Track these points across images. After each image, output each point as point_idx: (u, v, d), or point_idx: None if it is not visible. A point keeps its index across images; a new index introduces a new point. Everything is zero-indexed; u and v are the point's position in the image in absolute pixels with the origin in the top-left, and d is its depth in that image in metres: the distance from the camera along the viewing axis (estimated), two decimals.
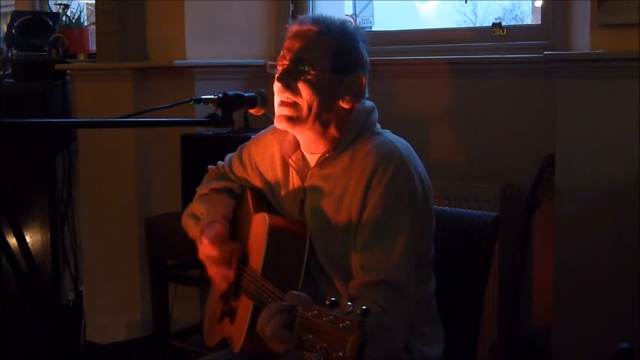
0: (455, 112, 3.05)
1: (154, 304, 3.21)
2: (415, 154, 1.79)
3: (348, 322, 1.21)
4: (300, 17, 1.82)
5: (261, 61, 3.40)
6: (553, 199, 2.65)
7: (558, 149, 2.62)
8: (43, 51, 3.75)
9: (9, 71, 3.92)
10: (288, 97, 1.74)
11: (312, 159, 1.82)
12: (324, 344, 1.24)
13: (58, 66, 3.61)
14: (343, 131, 1.78)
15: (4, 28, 4.17)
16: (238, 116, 1.86)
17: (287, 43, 1.77)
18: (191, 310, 3.32)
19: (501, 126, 2.94)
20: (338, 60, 1.75)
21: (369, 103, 1.83)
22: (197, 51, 3.34)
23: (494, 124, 2.96)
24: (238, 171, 2.00)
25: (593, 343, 2.54)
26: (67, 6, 4.10)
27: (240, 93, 1.83)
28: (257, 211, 1.87)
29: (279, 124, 1.77)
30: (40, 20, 3.91)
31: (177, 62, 3.28)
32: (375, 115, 1.83)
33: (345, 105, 1.76)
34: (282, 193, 1.88)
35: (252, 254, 1.84)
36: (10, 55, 3.89)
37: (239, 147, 2.04)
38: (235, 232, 1.95)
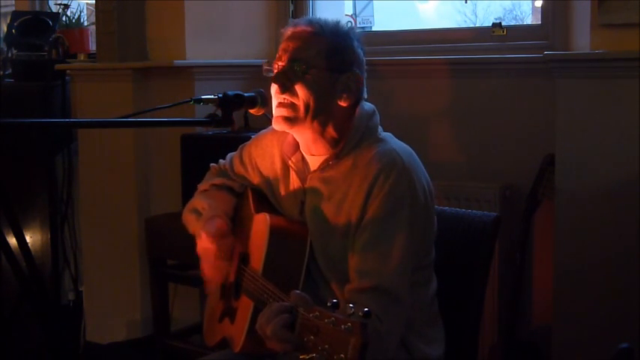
0: (455, 112, 3.05)
1: (154, 304, 3.21)
2: (418, 161, 1.79)
3: (349, 323, 1.21)
4: (294, 20, 1.83)
5: (261, 61, 3.39)
6: (553, 199, 2.65)
7: (558, 149, 2.62)
8: (43, 51, 3.75)
9: (9, 71, 3.92)
10: (285, 98, 1.75)
11: (312, 160, 1.83)
12: (326, 345, 1.24)
13: (58, 66, 3.61)
14: (343, 133, 1.78)
15: (4, 28, 4.17)
16: (238, 116, 1.86)
17: (282, 45, 1.79)
18: (191, 310, 3.33)
19: (501, 126, 2.94)
20: (333, 58, 1.75)
21: (369, 106, 1.83)
22: (197, 51, 3.35)
23: (494, 124, 2.96)
24: (239, 170, 2.01)
25: (593, 343, 2.54)
26: (67, 6, 4.10)
27: (240, 93, 1.83)
28: (258, 211, 1.87)
29: (277, 125, 1.78)
30: (40, 20, 3.91)
31: (177, 62, 3.28)
32: (377, 118, 1.83)
33: (342, 103, 1.77)
34: (283, 193, 1.88)
35: (253, 254, 1.84)
36: (10, 55, 3.89)
37: (240, 146, 2.04)
38: (236, 230, 1.96)
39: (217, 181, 2.04)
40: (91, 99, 3.52)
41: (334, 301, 1.27)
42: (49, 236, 3.68)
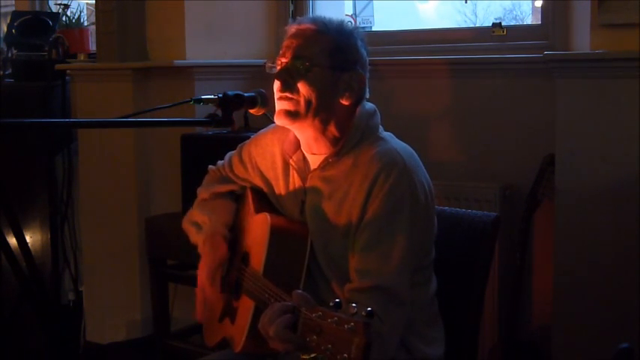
0: (455, 112, 3.05)
1: (154, 304, 3.21)
2: (419, 161, 1.79)
3: (353, 323, 1.21)
4: (298, 18, 1.84)
5: (261, 61, 3.40)
6: (553, 199, 2.65)
7: (558, 149, 2.62)
8: (43, 51, 3.75)
9: (9, 71, 3.91)
10: (287, 94, 1.75)
11: (313, 160, 1.83)
12: (329, 345, 1.23)
13: (58, 66, 3.61)
14: (344, 132, 1.78)
15: (4, 28, 4.17)
16: (238, 116, 1.85)
17: (286, 42, 1.79)
18: (191, 310, 3.29)
19: (501, 126, 2.94)
20: (336, 57, 1.75)
21: (370, 106, 1.83)
22: (197, 51, 3.34)
23: (494, 124, 2.95)
24: (238, 170, 2.00)
25: (593, 343, 2.54)
26: (67, 6, 4.10)
27: (240, 93, 1.83)
28: (258, 211, 1.87)
29: (279, 119, 1.78)
30: (40, 20, 3.91)
31: (177, 62, 3.28)
32: (378, 117, 1.83)
33: (344, 102, 1.77)
34: (283, 192, 1.88)
35: (253, 254, 1.84)
36: (10, 55, 3.89)
37: (239, 146, 2.03)
38: (236, 234, 1.96)
39: (220, 188, 2.04)
40: (91, 99, 3.52)
41: (337, 300, 1.27)
42: (49, 236, 3.68)
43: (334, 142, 1.79)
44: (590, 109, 2.55)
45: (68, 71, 3.64)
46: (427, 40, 3.24)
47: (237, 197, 2.03)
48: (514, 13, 5.50)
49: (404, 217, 1.69)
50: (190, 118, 2.42)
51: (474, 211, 2.06)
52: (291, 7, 3.55)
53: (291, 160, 1.86)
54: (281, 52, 1.78)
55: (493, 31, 3.06)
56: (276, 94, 1.77)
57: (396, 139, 1.82)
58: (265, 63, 1.82)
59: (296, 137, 1.85)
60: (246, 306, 1.79)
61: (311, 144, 1.82)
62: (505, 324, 2.76)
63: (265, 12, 3.59)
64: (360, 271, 1.69)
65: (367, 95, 1.83)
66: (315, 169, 1.81)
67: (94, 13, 3.73)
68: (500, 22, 3.05)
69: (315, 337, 1.26)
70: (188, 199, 2.10)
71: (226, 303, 1.93)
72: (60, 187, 3.73)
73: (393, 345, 1.69)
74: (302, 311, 1.32)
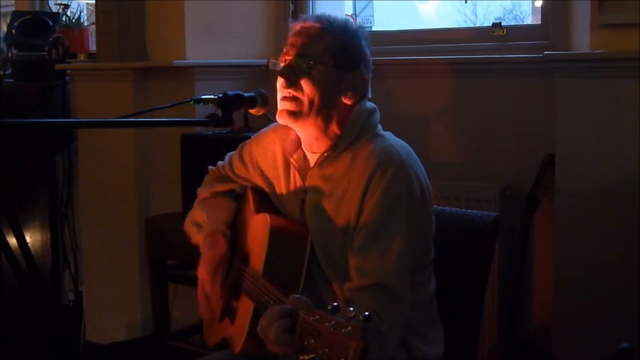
0: (455, 112, 3.05)
1: (154, 304, 3.21)
2: (416, 158, 1.79)
3: (350, 327, 1.21)
4: (303, 16, 1.84)
5: (261, 61, 3.41)
6: (553, 199, 2.65)
7: (558, 149, 2.62)
8: (43, 51, 3.75)
9: (9, 71, 3.91)
10: (290, 92, 1.75)
11: (313, 158, 1.83)
12: (326, 349, 1.24)
13: (58, 66, 3.61)
14: (344, 129, 1.78)
15: (4, 28, 4.17)
16: (238, 116, 1.85)
17: (290, 40, 1.79)
18: (191, 310, 3.32)
19: (501, 126, 2.94)
20: (340, 56, 1.76)
21: (370, 104, 1.84)
22: (197, 51, 3.34)
23: (494, 124, 2.96)
24: (239, 170, 2.00)
25: (593, 343, 2.54)
26: (67, 6, 4.10)
27: (240, 93, 1.83)
28: (258, 211, 1.87)
29: (281, 118, 1.78)
30: (40, 20, 3.91)
31: (177, 62, 3.28)
32: (377, 116, 1.83)
33: (347, 101, 1.77)
34: (284, 192, 1.88)
35: (253, 255, 1.84)
36: (10, 55, 3.89)
37: (239, 146, 2.03)
38: (236, 234, 1.96)
39: (219, 187, 2.04)
40: (91, 99, 3.52)
41: (335, 304, 1.27)
42: (49, 236, 3.68)
43: (335, 140, 1.79)
44: (590, 109, 2.55)
45: (68, 71, 3.64)
46: (427, 40, 3.24)
47: (237, 197, 2.03)
48: (514, 13, 5.50)
49: (401, 215, 1.69)
50: (190, 118, 2.42)
51: (473, 211, 2.06)
52: (291, 7, 3.55)
53: (292, 159, 1.86)
54: (285, 49, 1.79)
55: (493, 31, 3.06)
56: (279, 92, 1.78)
57: (394, 137, 1.82)
58: (269, 59, 1.83)
59: (297, 136, 1.85)
60: (245, 306, 1.79)
61: (312, 142, 1.82)
62: (505, 324, 2.76)
63: (265, 12, 3.58)
64: (359, 269, 1.69)
65: (370, 95, 1.83)
66: (313, 167, 1.81)
67: (94, 13, 3.73)
68: (500, 22, 3.05)
69: (312, 340, 1.27)
70: (188, 199, 2.10)
71: (226, 303, 1.93)
72: (60, 187, 3.73)
73: (393, 343, 1.69)
74: (300, 315, 1.32)
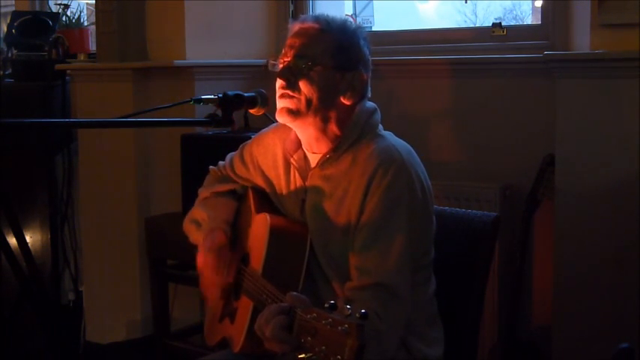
0: (455, 112, 3.05)
1: (154, 304, 3.21)
2: (417, 159, 1.79)
3: (346, 325, 1.21)
4: (301, 16, 1.83)
5: (261, 61, 3.40)
6: (553, 199, 2.65)
7: (558, 149, 2.62)
8: (43, 51, 3.75)
9: (9, 71, 3.91)
10: (288, 92, 1.75)
11: (314, 158, 1.83)
12: (323, 347, 1.24)
13: (58, 66, 3.61)
14: (344, 130, 1.78)
15: (4, 28, 4.17)
16: (238, 116, 1.86)
17: (289, 41, 1.79)
18: (191, 310, 3.32)
19: (501, 126, 2.94)
20: (339, 56, 1.75)
21: (370, 104, 1.84)
22: (197, 51, 3.34)
23: (494, 124, 2.96)
24: (240, 170, 2.00)
25: (593, 343, 2.54)
26: (67, 6, 4.10)
27: (240, 93, 1.83)
28: (259, 211, 1.87)
29: (280, 117, 1.78)
30: (40, 20, 3.91)
31: (177, 62, 3.28)
32: (378, 116, 1.83)
33: (346, 101, 1.77)
34: (284, 192, 1.88)
35: (253, 255, 1.84)
36: (10, 55, 3.89)
37: (240, 146, 2.03)
38: (237, 234, 1.95)
39: (220, 187, 2.04)
40: (91, 99, 3.52)
41: (332, 302, 1.27)
42: (49, 236, 3.68)
43: (335, 140, 1.79)
44: (590, 109, 2.55)
45: (68, 71, 3.64)
46: (427, 40, 3.24)
47: (238, 197, 2.03)
48: (514, 13, 5.50)
49: (402, 214, 1.69)
50: (190, 118, 2.43)
51: (473, 211, 2.06)
52: (291, 7, 3.56)
53: (292, 159, 1.86)
54: (284, 50, 1.78)
55: (493, 31, 3.06)
56: (278, 92, 1.78)
57: (395, 137, 1.82)
58: (268, 61, 1.82)
59: (297, 136, 1.85)
60: (245, 306, 1.79)
61: (312, 143, 1.82)
62: (505, 324, 2.76)
63: (265, 12, 3.59)
64: (359, 269, 1.69)
65: (369, 94, 1.83)
66: (314, 167, 1.81)
67: (94, 13, 3.73)
68: (500, 22, 3.05)
69: (309, 338, 1.27)
70: (188, 199, 2.11)
71: (226, 303, 1.94)
72: (60, 187, 3.73)
73: (393, 343, 1.69)
74: (297, 312, 1.32)
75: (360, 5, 4.68)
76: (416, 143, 1.84)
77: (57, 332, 3.06)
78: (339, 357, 1.20)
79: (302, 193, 1.84)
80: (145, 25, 3.42)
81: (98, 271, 3.57)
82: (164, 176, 3.36)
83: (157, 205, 3.40)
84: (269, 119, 1.87)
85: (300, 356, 1.27)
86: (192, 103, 1.81)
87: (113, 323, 3.50)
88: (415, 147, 1.82)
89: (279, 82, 1.77)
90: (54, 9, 4.31)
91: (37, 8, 4.54)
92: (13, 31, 3.84)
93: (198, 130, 3.01)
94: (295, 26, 1.80)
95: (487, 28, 3.10)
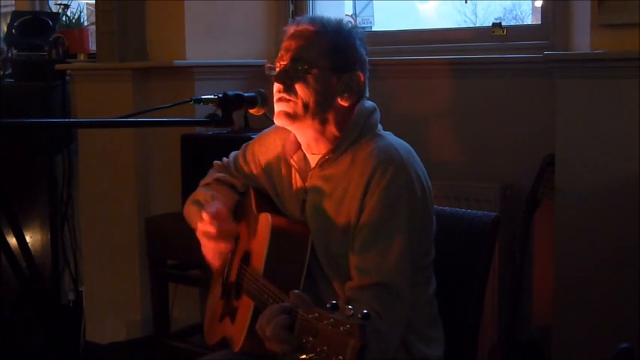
0: (455, 112, 3.05)
1: (154, 304, 3.21)
2: (417, 158, 1.79)
3: (348, 325, 1.21)
4: (297, 18, 1.83)
5: (261, 61, 3.40)
6: (553, 199, 2.65)
7: (558, 149, 2.62)
8: (43, 51, 3.75)
9: (9, 71, 3.92)
10: (285, 95, 1.75)
11: (313, 159, 1.83)
12: (324, 347, 1.23)
13: (58, 66, 3.61)
14: (343, 131, 1.78)
15: (4, 28, 4.17)
16: (238, 116, 1.86)
17: (285, 44, 1.78)
18: (191, 310, 3.33)
19: (501, 126, 2.94)
20: (335, 58, 1.75)
21: (370, 104, 1.83)
22: (197, 51, 3.35)
23: (494, 124, 2.96)
24: (243, 169, 2.01)
25: (593, 343, 2.54)
26: (67, 6, 4.10)
27: (240, 93, 1.83)
28: (260, 210, 1.87)
29: (278, 120, 1.78)
30: (40, 20, 3.91)
31: (177, 62, 3.28)
32: (377, 116, 1.83)
33: (343, 102, 1.77)
34: (285, 192, 1.88)
35: (254, 254, 1.84)
36: (10, 55, 3.89)
37: (243, 145, 2.04)
38: (238, 234, 1.95)
39: (220, 175, 2.04)
40: (91, 99, 3.52)
41: (333, 302, 1.27)
42: (49, 236, 3.68)
43: (334, 141, 1.79)
44: (590, 109, 2.55)
45: (68, 71, 3.64)
46: (427, 40, 3.24)
47: (239, 193, 2.03)
48: (514, 13, 5.51)
49: (401, 214, 1.69)
50: (190, 118, 2.43)
51: (473, 211, 2.06)
52: (291, 7, 3.56)
53: (292, 160, 1.86)
54: (280, 53, 1.78)
55: (493, 31, 3.06)
56: (275, 96, 1.78)
57: (394, 136, 1.82)
58: (264, 64, 1.82)
59: (297, 137, 1.85)
60: (246, 306, 1.79)
61: (311, 144, 1.82)
62: (505, 324, 2.76)
63: (265, 12, 3.59)
64: (359, 268, 1.69)
65: (367, 94, 1.83)
66: (314, 168, 1.81)
67: (94, 13, 3.73)
68: (500, 22, 3.05)
69: (311, 338, 1.26)
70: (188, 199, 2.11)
71: (227, 302, 1.94)
72: (60, 187, 3.73)
73: (394, 343, 1.69)
74: (299, 312, 1.32)
75: (360, 5, 4.69)
76: (416, 143, 1.84)
77: (57, 332, 3.06)
78: (340, 357, 1.20)
79: (302, 193, 1.84)
80: (145, 25, 3.43)
81: (98, 271, 3.57)
82: (164, 176, 3.36)
83: (157, 205, 3.40)
84: (269, 119, 1.87)
85: (301, 357, 1.27)
86: (192, 103, 1.81)
87: (113, 323, 3.50)
88: (415, 147, 1.82)
89: (276, 86, 1.77)
90: (54, 9, 4.31)
91: (37, 8, 4.55)
92: (13, 31, 3.84)
93: (198, 130, 3.01)
94: (290, 28, 1.79)
95: (487, 28, 3.10)
